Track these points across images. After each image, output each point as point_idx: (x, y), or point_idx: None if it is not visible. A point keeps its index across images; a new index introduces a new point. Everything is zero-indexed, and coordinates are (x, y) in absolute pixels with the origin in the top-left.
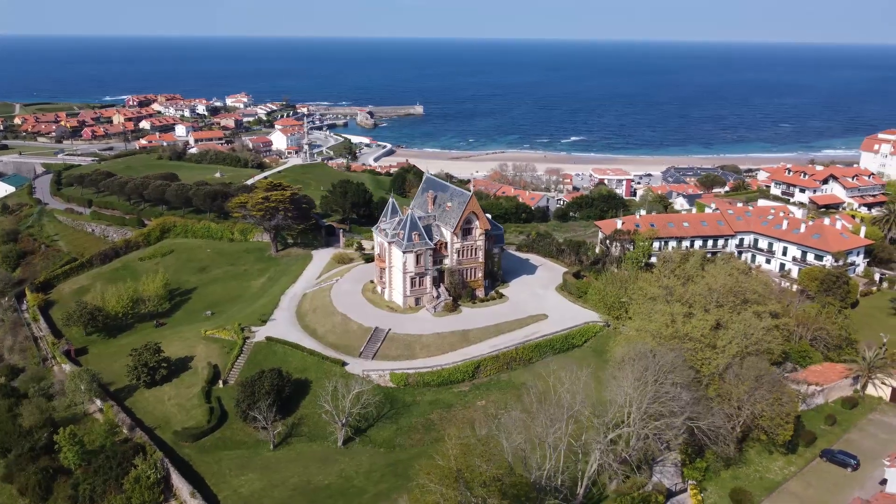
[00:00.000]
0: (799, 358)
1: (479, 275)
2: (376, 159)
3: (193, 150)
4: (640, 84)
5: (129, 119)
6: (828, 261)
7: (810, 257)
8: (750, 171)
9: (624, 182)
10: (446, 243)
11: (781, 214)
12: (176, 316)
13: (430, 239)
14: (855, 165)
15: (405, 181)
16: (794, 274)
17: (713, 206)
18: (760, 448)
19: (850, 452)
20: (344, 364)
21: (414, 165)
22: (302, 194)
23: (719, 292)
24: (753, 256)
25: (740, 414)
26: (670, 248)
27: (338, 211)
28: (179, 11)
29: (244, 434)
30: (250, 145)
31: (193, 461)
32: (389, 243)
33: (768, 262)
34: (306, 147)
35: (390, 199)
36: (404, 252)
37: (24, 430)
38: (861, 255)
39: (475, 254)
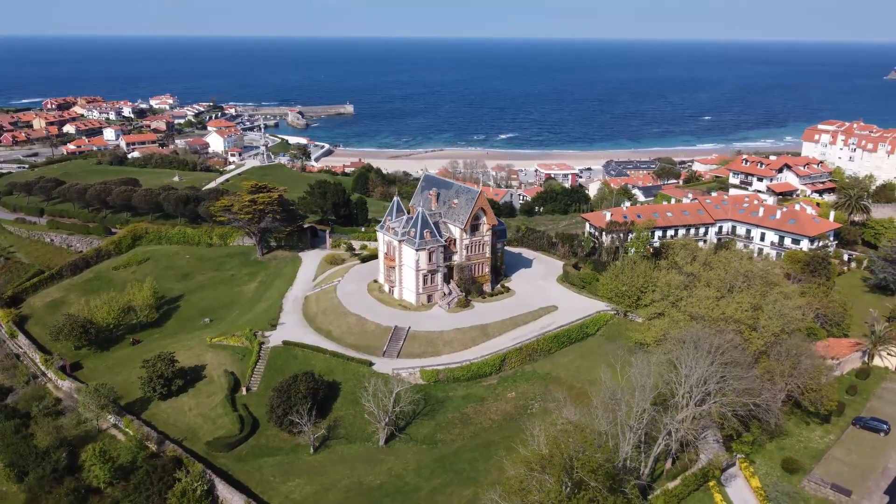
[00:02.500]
0: (807, 335)
1: (487, 270)
2: (317, 159)
3: (136, 155)
4: (561, 81)
5: (52, 123)
6: (804, 244)
7: (787, 241)
8: (683, 163)
9: (570, 176)
10: (455, 240)
11: (756, 202)
12: (168, 325)
13: (440, 236)
14: (773, 157)
15: (367, 181)
16: (773, 257)
17: (690, 196)
18: (797, 420)
19: (880, 419)
20: (371, 364)
21: (372, 165)
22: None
23: (745, 276)
24: (732, 242)
25: (786, 388)
26: (656, 238)
27: (316, 212)
28: (74, 8)
29: (279, 440)
30: (187, 148)
31: (232, 471)
32: (400, 242)
33: (746, 247)
34: (264, 149)
35: (395, 198)
36: (417, 250)
37: (41, 450)
38: (831, 238)
39: (483, 249)
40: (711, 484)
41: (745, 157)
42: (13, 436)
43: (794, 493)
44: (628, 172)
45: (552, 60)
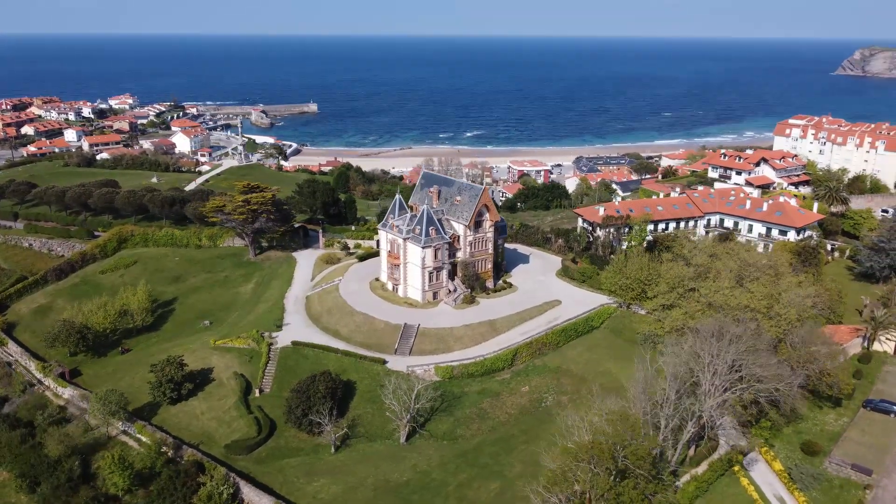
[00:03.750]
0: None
1: (489, 266)
2: (285, 159)
3: (105, 156)
4: (521, 78)
5: (9, 125)
6: (791, 235)
7: (775, 233)
8: (650, 158)
9: (542, 173)
10: (459, 237)
11: (742, 195)
12: (165, 329)
13: (445, 233)
14: (749, 151)
15: (348, 179)
16: (760, 249)
17: (678, 190)
18: (810, 404)
19: (890, 401)
20: (384, 362)
21: (351, 164)
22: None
23: (755, 266)
24: (733, 234)
25: (804, 374)
26: (648, 231)
27: (305, 211)
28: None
29: (299, 440)
30: (155, 148)
31: (254, 473)
32: (405, 239)
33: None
34: (240, 148)
35: (397, 196)
36: (423, 247)
37: (52, 460)
38: (815, 229)
39: (486, 246)
40: (736, 469)
41: (723, 151)
42: (20, 446)
43: (818, 474)
44: (599, 168)
45: (511, 57)
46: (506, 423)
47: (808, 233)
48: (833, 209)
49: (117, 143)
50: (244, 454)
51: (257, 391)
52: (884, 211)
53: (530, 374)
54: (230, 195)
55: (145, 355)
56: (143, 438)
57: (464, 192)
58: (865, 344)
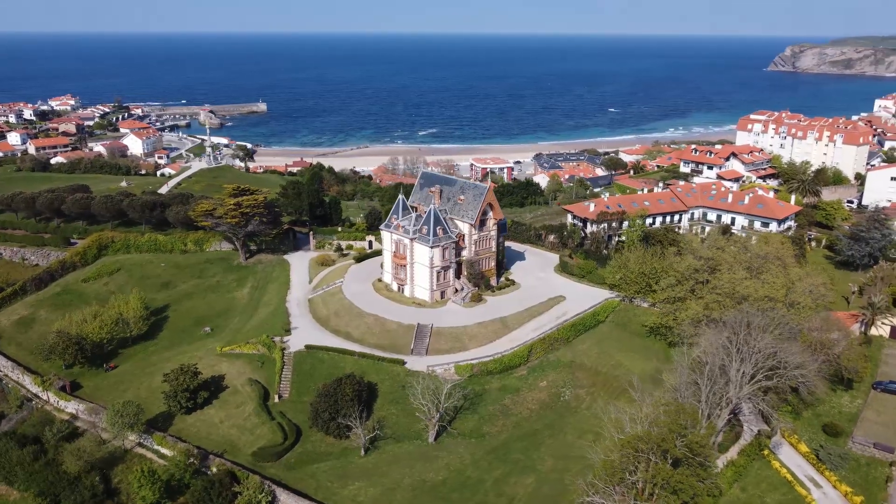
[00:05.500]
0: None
1: (492, 264)
2: (232, 159)
3: (60, 160)
4: (466, 76)
5: None
6: (773, 226)
7: (757, 225)
8: (607, 153)
9: (505, 170)
10: (464, 235)
11: (724, 189)
12: (161, 337)
13: (451, 233)
14: (718, 146)
15: (322, 180)
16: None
17: (661, 185)
18: (824, 388)
19: None
20: (403, 363)
21: (323, 164)
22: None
23: (764, 257)
24: (703, 228)
25: (825, 359)
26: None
27: (291, 213)
28: None
29: (326, 444)
30: (105, 151)
31: (285, 480)
32: (411, 240)
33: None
34: (209, 150)
35: (399, 197)
36: (432, 247)
37: (72, 476)
38: (793, 220)
39: (489, 244)
40: (766, 453)
41: (693, 147)
42: (33, 464)
43: (844, 454)
44: (560, 164)
45: (453, 56)
46: (528, 419)
47: (788, 224)
48: (805, 201)
49: (65, 146)
50: (273, 461)
51: (276, 397)
52: (849, 202)
53: (546, 369)
54: (220, 198)
55: (146, 365)
56: (163, 450)
57: (467, 190)
58: (863, 329)
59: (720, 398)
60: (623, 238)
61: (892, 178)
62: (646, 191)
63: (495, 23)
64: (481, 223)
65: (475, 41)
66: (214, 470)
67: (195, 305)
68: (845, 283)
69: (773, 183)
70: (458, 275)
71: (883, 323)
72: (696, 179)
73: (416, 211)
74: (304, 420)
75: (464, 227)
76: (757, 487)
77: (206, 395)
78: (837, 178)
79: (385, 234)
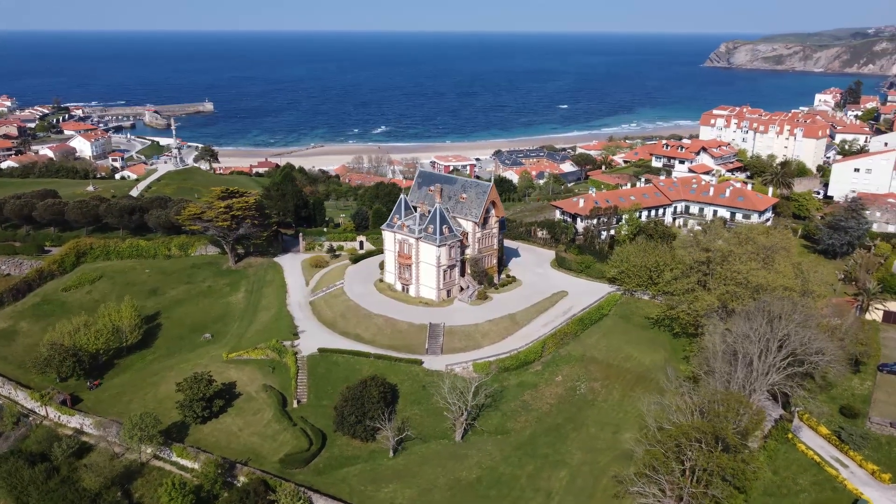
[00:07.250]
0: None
1: (495, 261)
2: (196, 160)
3: (11, 164)
4: (413, 74)
5: None
6: (754, 218)
7: (739, 217)
8: (565, 149)
9: (468, 167)
10: (468, 234)
11: (704, 183)
12: (156, 345)
13: (455, 231)
14: (686, 141)
15: (294, 180)
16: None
17: (643, 180)
18: (845, 371)
19: None
20: (421, 363)
21: (293, 164)
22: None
23: (770, 248)
24: (686, 221)
25: (841, 344)
26: (624, 220)
27: (277, 214)
28: None
29: (352, 448)
30: (52, 155)
31: (317, 485)
32: (417, 239)
33: (699, 224)
34: (176, 151)
35: (401, 196)
36: (439, 246)
37: (92, 494)
38: (771, 212)
39: (492, 241)
40: (790, 436)
41: (665, 142)
42: (47, 482)
43: (864, 434)
44: (521, 161)
45: (396, 53)
46: (549, 413)
47: (767, 215)
48: (779, 192)
49: (9, 150)
50: (301, 467)
51: (295, 402)
52: (815, 192)
53: (559, 364)
54: (208, 201)
55: (147, 374)
56: (183, 461)
57: (469, 189)
58: (858, 314)
59: (745, 386)
60: (613, 233)
61: (855, 170)
62: (628, 186)
63: (431, 21)
64: (484, 221)
65: (417, 39)
66: (243, 479)
67: (188, 312)
68: (823, 270)
69: (741, 176)
70: (462, 273)
71: (876, 308)
72: (674, 174)
73: (416, 210)
74: (325, 424)
75: (466, 225)
76: (788, 470)
77: (221, 403)
78: (802, 171)
79: (387, 234)
